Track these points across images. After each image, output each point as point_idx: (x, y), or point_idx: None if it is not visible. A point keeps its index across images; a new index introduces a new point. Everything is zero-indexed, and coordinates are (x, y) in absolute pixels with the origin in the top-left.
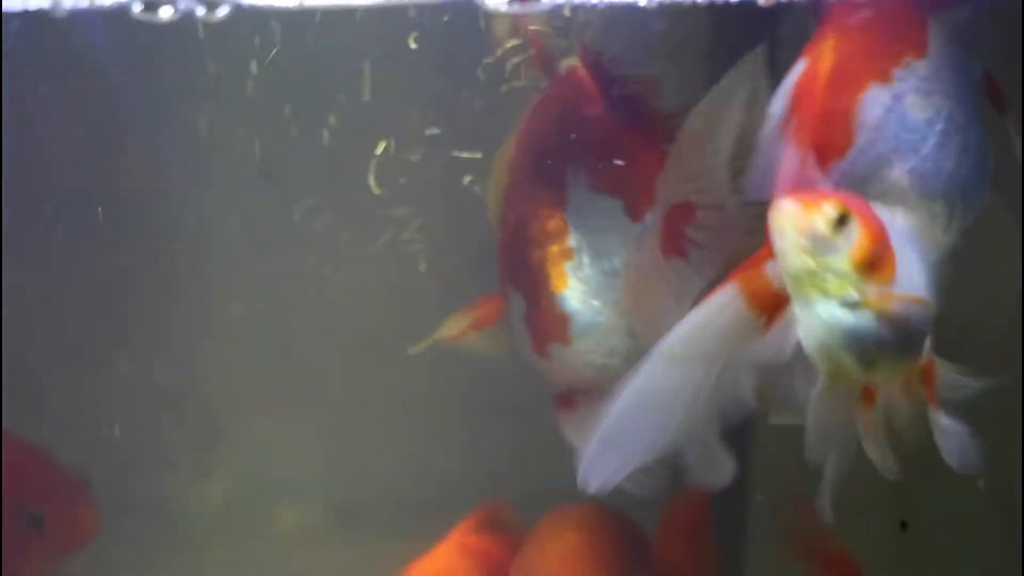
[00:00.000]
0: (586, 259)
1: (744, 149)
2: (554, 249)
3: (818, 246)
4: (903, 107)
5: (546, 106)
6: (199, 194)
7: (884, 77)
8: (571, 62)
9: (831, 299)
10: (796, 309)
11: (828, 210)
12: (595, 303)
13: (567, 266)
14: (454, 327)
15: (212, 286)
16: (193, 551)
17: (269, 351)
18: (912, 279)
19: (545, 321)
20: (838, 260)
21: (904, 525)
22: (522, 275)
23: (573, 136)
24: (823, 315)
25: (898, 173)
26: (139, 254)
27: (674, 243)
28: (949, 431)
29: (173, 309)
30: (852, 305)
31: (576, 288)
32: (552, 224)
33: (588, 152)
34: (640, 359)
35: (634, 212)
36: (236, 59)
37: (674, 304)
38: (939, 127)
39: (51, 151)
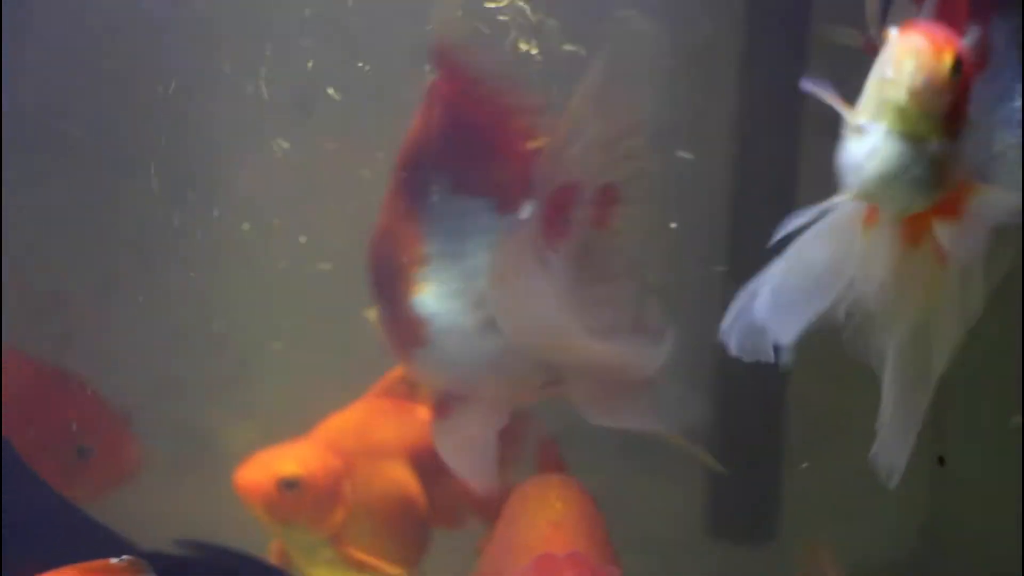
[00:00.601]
0: (442, 263)
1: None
2: (410, 254)
3: (928, 90)
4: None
5: (416, 117)
6: (231, 129)
7: (1003, 10)
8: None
9: (908, 140)
10: (865, 123)
11: (950, 58)
12: (453, 305)
13: (422, 271)
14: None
15: (243, 228)
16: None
17: (301, 291)
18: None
19: (403, 326)
20: (935, 107)
21: (941, 461)
22: (383, 282)
23: (431, 145)
24: (893, 149)
25: (1018, 104)
26: (173, 193)
27: (557, 227)
28: (958, 235)
29: (205, 250)
30: (925, 155)
31: (431, 291)
32: (408, 230)
33: (447, 158)
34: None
35: (504, 208)
36: None
37: (553, 287)
38: None
39: (68, 74)
